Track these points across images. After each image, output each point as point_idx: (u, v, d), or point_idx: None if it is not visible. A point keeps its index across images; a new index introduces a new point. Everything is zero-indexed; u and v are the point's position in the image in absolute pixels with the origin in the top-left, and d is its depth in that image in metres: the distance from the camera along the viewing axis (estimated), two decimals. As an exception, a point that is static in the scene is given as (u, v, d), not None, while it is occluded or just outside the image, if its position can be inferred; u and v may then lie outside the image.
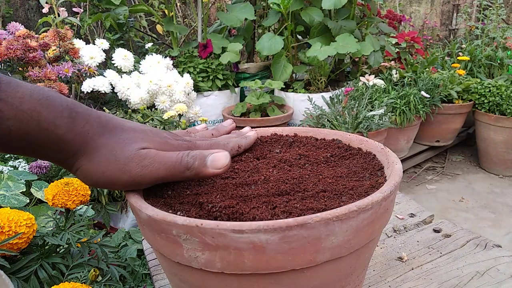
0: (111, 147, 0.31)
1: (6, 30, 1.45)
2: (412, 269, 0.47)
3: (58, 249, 0.64)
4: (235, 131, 0.45)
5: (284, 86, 2.06)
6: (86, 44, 1.69)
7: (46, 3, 1.75)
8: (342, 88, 1.95)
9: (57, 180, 0.66)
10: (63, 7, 1.84)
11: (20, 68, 1.34)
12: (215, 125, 0.46)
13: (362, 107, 1.67)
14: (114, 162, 0.30)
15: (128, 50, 1.82)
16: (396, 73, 2.11)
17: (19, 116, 0.26)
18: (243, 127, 0.47)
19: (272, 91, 2.19)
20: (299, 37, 2.35)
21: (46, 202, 0.72)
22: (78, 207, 0.73)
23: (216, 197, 0.32)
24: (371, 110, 1.72)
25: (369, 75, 2.00)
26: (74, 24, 2.05)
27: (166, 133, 0.35)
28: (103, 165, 0.30)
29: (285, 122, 1.93)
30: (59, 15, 1.76)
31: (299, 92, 2.06)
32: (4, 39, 1.35)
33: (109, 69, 1.70)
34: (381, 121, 1.66)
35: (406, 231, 0.55)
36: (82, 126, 0.30)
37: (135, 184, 0.31)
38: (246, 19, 2.10)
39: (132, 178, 0.30)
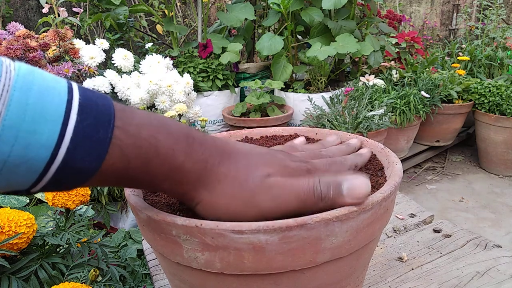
0: (233, 177, 0.28)
1: (6, 30, 1.45)
2: (412, 269, 0.47)
3: (58, 249, 0.64)
4: (344, 143, 0.41)
5: (284, 86, 2.06)
6: (86, 44, 1.69)
7: (46, 3, 1.75)
8: (342, 88, 1.95)
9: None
10: (63, 7, 1.84)
11: (20, 68, 1.34)
12: (316, 141, 0.43)
13: (362, 107, 1.66)
14: (239, 194, 0.27)
15: (128, 50, 1.82)
16: (396, 73, 2.11)
17: (138, 144, 0.24)
18: (243, 127, 0.47)
19: (272, 91, 2.19)
20: (299, 37, 2.35)
21: (46, 202, 0.72)
22: (78, 207, 0.73)
23: None
24: (371, 110, 1.72)
25: (369, 75, 2.00)
26: (74, 24, 2.05)
27: (280, 154, 0.31)
28: (227, 199, 0.27)
29: (285, 122, 1.93)
30: (59, 15, 1.76)
31: (299, 92, 2.06)
32: (4, 39, 1.35)
33: (109, 69, 1.70)
34: (381, 121, 1.66)
35: (406, 231, 0.55)
36: (201, 153, 0.27)
37: (263, 218, 0.27)
38: (246, 19, 2.10)
39: (260, 212, 0.27)
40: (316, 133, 0.47)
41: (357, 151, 0.39)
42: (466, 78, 2.28)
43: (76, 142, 0.21)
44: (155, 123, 0.26)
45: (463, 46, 2.68)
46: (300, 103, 2.01)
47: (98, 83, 1.53)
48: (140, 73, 1.75)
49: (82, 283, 0.52)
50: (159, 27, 2.64)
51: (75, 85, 0.23)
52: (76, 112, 0.22)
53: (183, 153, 0.26)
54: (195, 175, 0.27)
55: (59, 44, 1.47)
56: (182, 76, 1.76)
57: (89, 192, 0.64)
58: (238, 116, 1.95)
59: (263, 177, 0.28)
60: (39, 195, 0.91)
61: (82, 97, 0.22)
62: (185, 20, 3.12)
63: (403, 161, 2.19)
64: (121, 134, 0.23)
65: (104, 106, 0.23)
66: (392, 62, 2.18)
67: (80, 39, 1.76)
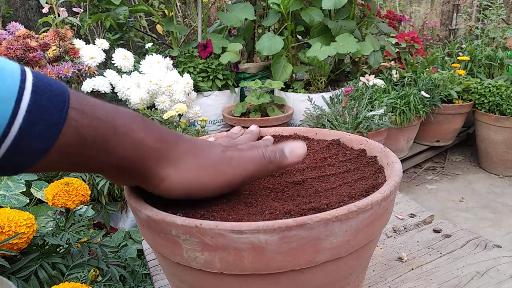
0: (195, 152, 0.30)
1: (6, 30, 1.45)
2: (412, 269, 0.47)
3: (58, 249, 0.64)
4: (246, 131, 0.46)
5: (284, 86, 2.06)
6: (86, 44, 1.69)
7: (46, 3, 1.75)
8: (342, 88, 1.95)
9: (57, 180, 0.66)
10: (63, 7, 1.84)
11: (20, 68, 1.34)
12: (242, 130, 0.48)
13: (362, 107, 1.66)
14: (205, 166, 0.30)
15: (128, 50, 1.82)
16: (396, 73, 2.11)
17: (94, 124, 0.25)
18: (243, 127, 0.47)
19: (272, 91, 2.19)
20: (299, 37, 2.35)
21: (46, 202, 0.72)
22: (78, 207, 0.73)
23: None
24: (371, 110, 1.72)
25: (369, 75, 2.00)
26: (74, 24, 2.05)
27: (223, 139, 0.37)
28: (194, 171, 0.29)
29: (285, 122, 1.92)
30: (59, 15, 1.76)
31: (299, 92, 2.06)
32: (4, 39, 1.35)
33: (109, 69, 1.70)
34: (381, 121, 1.66)
35: (406, 231, 0.55)
36: (159, 132, 0.29)
37: (227, 186, 0.31)
38: (246, 19, 2.10)
39: (226, 179, 0.30)
40: (316, 133, 0.47)
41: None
42: (466, 78, 2.28)
43: (29, 121, 0.22)
44: (108, 106, 0.26)
45: (463, 46, 2.68)
46: (300, 103, 2.01)
47: (98, 83, 1.53)
48: (140, 73, 1.75)
49: (82, 283, 0.52)
50: (159, 27, 2.64)
51: (28, 69, 0.23)
52: (29, 92, 0.22)
53: (142, 131, 0.27)
54: (158, 152, 0.28)
55: (59, 44, 1.47)
56: (182, 76, 1.76)
57: (89, 192, 0.64)
58: (238, 116, 1.95)
59: (221, 152, 0.31)
60: (39, 195, 0.91)
61: (36, 79, 0.23)
62: (185, 20, 3.12)
63: (403, 161, 2.19)
64: (76, 114, 0.24)
65: (59, 88, 0.24)
66: (392, 62, 2.18)
67: (80, 39, 1.76)
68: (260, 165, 0.31)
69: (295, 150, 0.32)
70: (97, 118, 0.25)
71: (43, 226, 0.78)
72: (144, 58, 1.82)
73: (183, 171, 0.29)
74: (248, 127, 0.46)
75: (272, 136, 0.48)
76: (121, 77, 1.66)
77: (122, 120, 0.26)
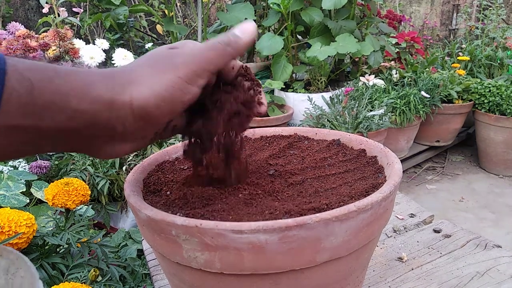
0: (144, 62, 0.29)
1: (6, 30, 1.45)
2: (412, 269, 0.47)
3: (58, 249, 0.64)
4: None
5: (284, 86, 2.06)
6: (86, 44, 1.69)
7: (46, 3, 1.75)
8: (342, 88, 1.95)
9: (57, 180, 0.66)
10: (63, 7, 1.84)
11: (20, 68, 1.34)
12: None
13: (362, 107, 1.66)
14: (159, 66, 0.28)
15: (128, 50, 1.82)
16: (396, 73, 2.11)
17: (34, 67, 0.24)
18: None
19: (272, 91, 2.19)
20: (299, 37, 2.35)
21: (46, 202, 0.72)
22: (78, 207, 0.73)
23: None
24: (371, 110, 1.72)
25: (369, 75, 2.00)
26: (74, 24, 2.05)
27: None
28: (153, 76, 0.27)
29: (285, 122, 1.92)
30: (59, 15, 1.76)
31: (299, 92, 2.06)
32: (4, 39, 1.35)
33: (109, 69, 1.69)
34: (381, 121, 1.66)
35: (406, 231, 0.55)
36: (103, 70, 0.27)
37: (193, 75, 0.28)
38: (246, 19, 2.10)
39: (190, 69, 0.28)
40: (316, 133, 0.47)
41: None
42: (466, 78, 2.28)
43: None
44: (42, 62, 0.25)
45: (463, 46, 2.68)
46: (300, 103, 2.00)
47: (98, 83, 1.53)
48: (140, 73, 1.74)
49: (82, 283, 0.52)
50: (159, 27, 2.64)
51: None
52: None
53: (84, 72, 0.26)
54: (110, 80, 0.26)
55: (59, 44, 1.47)
56: (182, 76, 1.75)
57: (89, 192, 0.64)
58: (238, 116, 1.95)
59: (170, 48, 0.30)
60: (39, 195, 0.91)
61: None
62: (185, 20, 3.12)
63: (403, 161, 2.19)
64: (15, 61, 0.23)
65: None
66: (392, 62, 2.18)
67: (80, 39, 1.76)
68: (217, 48, 0.30)
69: (245, 28, 0.31)
70: (35, 63, 0.24)
71: (43, 226, 0.78)
72: (144, 58, 1.82)
73: (142, 84, 0.27)
74: (249, 127, 0.46)
75: (272, 136, 0.48)
76: (121, 77, 1.66)
77: (60, 67, 0.26)
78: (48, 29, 1.59)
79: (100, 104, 0.25)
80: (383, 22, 2.32)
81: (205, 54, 0.29)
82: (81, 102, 0.25)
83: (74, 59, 1.53)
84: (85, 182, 1.04)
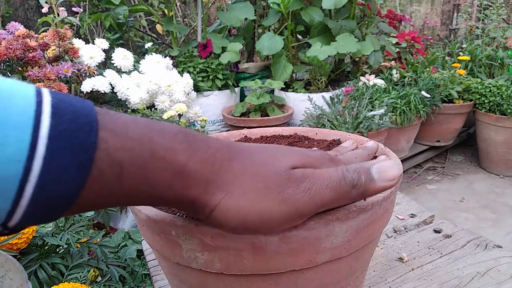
0: (253, 172, 0.24)
1: (5, 30, 1.45)
2: (413, 269, 0.47)
3: (57, 249, 0.64)
4: (360, 147, 0.38)
5: (284, 86, 2.06)
6: (85, 44, 1.69)
7: (46, 3, 1.75)
8: (343, 88, 1.95)
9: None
10: (63, 6, 1.84)
11: (19, 68, 1.34)
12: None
13: (363, 107, 1.66)
14: (264, 190, 0.23)
15: (127, 50, 1.82)
16: (396, 73, 2.11)
17: (129, 146, 0.20)
18: (243, 127, 0.47)
19: (272, 91, 2.19)
20: (299, 36, 2.34)
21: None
22: (78, 207, 0.73)
23: None
24: (371, 110, 1.72)
25: (370, 75, 2.00)
26: (74, 24, 2.05)
27: (297, 148, 0.28)
28: (251, 196, 0.23)
29: (285, 122, 1.92)
30: (58, 15, 1.76)
31: (299, 92, 2.06)
32: (4, 39, 1.35)
33: (108, 69, 1.69)
34: (381, 121, 1.66)
35: (407, 232, 0.55)
36: (206, 150, 0.23)
37: (296, 216, 0.24)
38: (246, 18, 2.10)
39: (294, 207, 0.23)
40: (316, 133, 0.47)
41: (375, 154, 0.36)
42: (466, 78, 2.28)
43: (53, 150, 0.17)
44: (142, 122, 0.22)
45: (464, 45, 2.68)
46: (300, 103, 2.00)
47: (97, 83, 1.53)
48: (140, 73, 1.74)
49: (81, 284, 0.52)
50: (158, 27, 2.64)
51: (44, 89, 0.19)
52: (49, 115, 0.18)
53: (185, 152, 0.22)
54: (205, 176, 0.23)
55: (59, 44, 1.47)
56: (182, 76, 1.76)
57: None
58: (238, 116, 1.95)
59: (288, 169, 0.24)
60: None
61: (54, 98, 0.18)
62: (185, 19, 3.12)
63: (403, 161, 2.19)
64: (107, 135, 0.19)
65: (83, 107, 0.19)
66: (393, 62, 2.18)
67: (79, 39, 1.76)
68: (340, 190, 0.24)
69: (386, 170, 0.25)
70: (130, 139, 0.20)
71: (43, 226, 0.78)
72: (144, 58, 1.82)
73: (236, 197, 0.23)
74: (248, 127, 0.45)
75: (272, 136, 0.48)
76: (121, 77, 1.66)
77: (161, 139, 0.21)
78: (48, 29, 1.59)
79: (183, 197, 0.23)
80: (383, 21, 2.32)
81: (323, 194, 0.24)
82: (167, 191, 0.22)
83: (73, 58, 1.53)
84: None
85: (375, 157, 0.36)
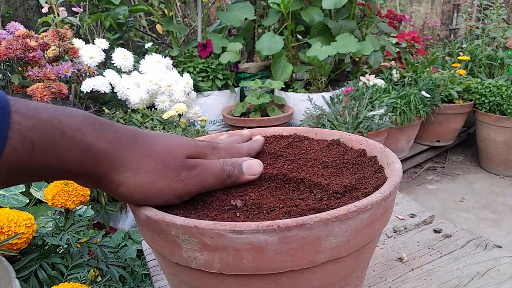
0: (155, 157, 0.28)
1: (5, 30, 1.45)
2: (412, 269, 0.47)
3: (57, 249, 0.64)
4: (237, 133, 0.45)
5: (284, 86, 2.06)
6: (85, 44, 1.69)
7: (46, 2, 1.75)
8: (343, 88, 1.95)
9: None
10: (63, 6, 1.84)
11: (19, 68, 1.34)
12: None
13: (363, 107, 1.66)
14: (165, 171, 0.28)
15: (127, 49, 1.82)
16: (396, 73, 2.11)
17: (40, 126, 0.23)
18: (243, 127, 0.47)
19: (272, 91, 2.19)
20: (299, 36, 2.34)
21: (46, 202, 0.72)
22: (78, 207, 0.73)
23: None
24: (371, 110, 1.72)
25: (370, 75, 2.00)
26: (74, 24, 2.05)
27: (188, 139, 0.34)
28: (153, 176, 0.28)
29: (285, 122, 1.92)
30: (58, 15, 1.76)
31: (299, 92, 2.06)
32: (4, 39, 1.35)
33: (108, 69, 1.69)
34: (381, 121, 1.66)
35: (406, 232, 0.55)
36: (112, 134, 0.27)
37: (186, 194, 0.30)
38: (246, 18, 2.10)
39: (185, 188, 0.29)
40: (316, 133, 0.47)
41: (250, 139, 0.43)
42: (466, 78, 2.28)
43: None
44: (52, 108, 0.25)
45: (464, 45, 2.68)
46: (300, 103, 2.00)
47: (97, 83, 1.53)
48: (140, 73, 1.74)
49: (81, 284, 0.52)
50: (158, 27, 2.64)
51: None
52: None
53: (92, 133, 0.26)
54: (112, 155, 0.26)
55: (59, 44, 1.47)
56: (182, 76, 1.75)
57: (89, 192, 0.64)
58: (238, 116, 1.95)
59: (183, 157, 0.30)
60: (38, 195, 0.91)
61: None
62: (185, 19, 3.12)
63: (403, 161, 2.19)
64: (19, 117, 0.22)
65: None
66: (393, 62, 2.18)
67: (79, 38, 1.76)
68: (219, 178, 0.31)
69: (252, 167, 0.33)
70: (41, 120, 0.23)
71: (43, 226, 0.78)
72: (144, 58, 1.82)
73: (140, 176, 0.28)
74: (248, 127, 0.46)
75: (272, 136, 0.48)
76: (121, 77, 1.66)
77: (69, 121, 0.25)
78: (48, 29, 1.59)
79: (92, 172, 0.26)
80: (383, 21, 2.32)
81: (208, 180, 0.30)
82: (75, 166, 0.25)
83: (73, 58, 1.53)
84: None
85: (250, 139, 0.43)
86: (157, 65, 1.77)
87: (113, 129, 0.27)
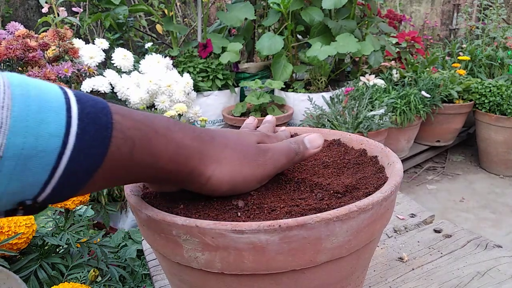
0: (233, 147, 0.30)
1: (5, 30, 1.45)
2: (413, 269, 0.47)
3: (57, 249, 0.64)
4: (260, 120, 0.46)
5: (284, 86, 2.06)
6: (85, 44, 1.69)
7: (46, 2, 1.75)
8: (343, 88, 1.95)
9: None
10: (63, 6, 1.84)
11: (19, 68, 1.34)
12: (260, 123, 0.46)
13: (363, 107, 1.66)
14: (245, 160, 0.30)
15: (127, 50, 1.82)
16: (396, 73, 2.11)
17: (137, 125, 0.25)
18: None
19: (272, 91, 2.19)
20: (299, 36, 2.34)
21: (46, 202, 0.72)
22: (78, 207, 0.73)
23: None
24: (371, 110, 1.72)
25: (370, 75, 2.00)
26: (74, 24, 2.05)
27: (248, 130, 0.36)
28: (237, 165, 0.30)
29: (285, 122, 1.92)
30: (58, 15, 1.76)
31: (299, 92, 2.06)
32: (4, 39, 1.35)
33: (108, 69, 1.69)
34: (381, 121, 1.66)
35: (407, 232, 0.55)
36: (193, 131, 0.29)
37: (267, 177, 0.32)
38: (246, 18, 2.10)
39: (265, 171, 0.31)
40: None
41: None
42: (466, 78, 2.28)
43: (82, 128, 0.21)
44: (141, 111, 0.27)
45: (464, 45, 2.68)
46: (300, 103, 2.00)
47: (97, 83, 1.53)
48: (140, 73, 1.74)
49: (81, 284, 0.52)
50: (158, 27, 2.64)
51: (62, 85, 0.24)
52: (75, 102, 0.22)
53: (179, 131, 0.27)
54: (198, 149, 0.28)
55: (59, 44, 1.47)
56: (182, 76, 1.75)
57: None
58: (238, 116, 1.95)
59: (255, 144, 0.32)
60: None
61: (74, 91, 0.23)
62: (185, 19, 3.12)
63: (403, 161, 2.19)
64: (119, 117, 0.24)
65: (96, 98, 0.24)
66: (393, 62, 2.18)
67: (79, 39, 1.76)
68: (289, 156, 0.33)
69: (314, 140, 0.34)
70: (137, 120, 0.25)
71: (43, 226, 0.78)
72: (144, 58, 1.82)
73: (226, 166, 0.29)
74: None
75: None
76: (121, 77, 1.66)
77: (159, 121, 0.27)
78: (48, 29, 1.59)
79: (183, 167, 0.28)
80: (383, 21, 2.32)
81: (280, 160, 0.32)
82: (169, 164, 0.27)
83: (73, 58, 1.53)
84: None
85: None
86: (157, 65, 1.77)
87: (191, 128, 0.29)
